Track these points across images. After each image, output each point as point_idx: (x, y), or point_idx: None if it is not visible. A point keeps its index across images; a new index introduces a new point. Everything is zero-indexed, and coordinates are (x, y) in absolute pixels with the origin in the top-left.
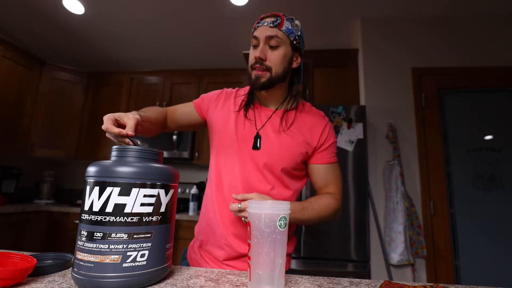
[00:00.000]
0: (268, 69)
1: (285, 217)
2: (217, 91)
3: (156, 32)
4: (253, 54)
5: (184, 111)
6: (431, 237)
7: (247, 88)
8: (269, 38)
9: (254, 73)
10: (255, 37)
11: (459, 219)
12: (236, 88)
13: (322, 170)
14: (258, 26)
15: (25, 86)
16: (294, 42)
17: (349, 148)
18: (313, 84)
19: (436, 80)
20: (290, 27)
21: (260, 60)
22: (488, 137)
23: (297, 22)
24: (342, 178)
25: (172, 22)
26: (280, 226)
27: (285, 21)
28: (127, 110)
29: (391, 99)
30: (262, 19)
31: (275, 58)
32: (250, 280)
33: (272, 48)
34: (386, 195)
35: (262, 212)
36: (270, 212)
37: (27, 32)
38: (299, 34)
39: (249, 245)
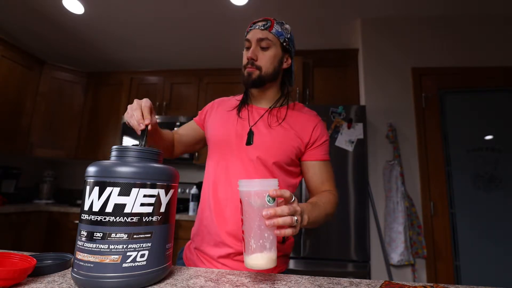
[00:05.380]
0: (258, 68)
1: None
2: (211, 102)
3: (156, 32)
4: (245, 55)
5: (187, 128)
6: (431, 237)
7: (241, 95)
8: (260, 40)
9: (245, 71)
10: (248, 40)
11: (459, 219)
12: (231, 96)
13: (317, 167)
14: (250, 30)
15: (25, 86)
16: (284, 43)
17: (349, 148)
18: (313, 84)
19: (436, 80)
20: (280, 30)
21: (251, 60)
22: (488, 137)
23: (287, 26)
24: (334, 175)
25: (172, 22)
26: (268, 202)
27: (275, 24)
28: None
29: (391, 99)
30: (254, 23)
31: (265, 58)
32: (244, 251)
33: (263, 49)
34: (386, 195)
35: (251, 190)
36: (259, 189)
37: (27, 32)
38: (288, 36)
39: (242, 220)
